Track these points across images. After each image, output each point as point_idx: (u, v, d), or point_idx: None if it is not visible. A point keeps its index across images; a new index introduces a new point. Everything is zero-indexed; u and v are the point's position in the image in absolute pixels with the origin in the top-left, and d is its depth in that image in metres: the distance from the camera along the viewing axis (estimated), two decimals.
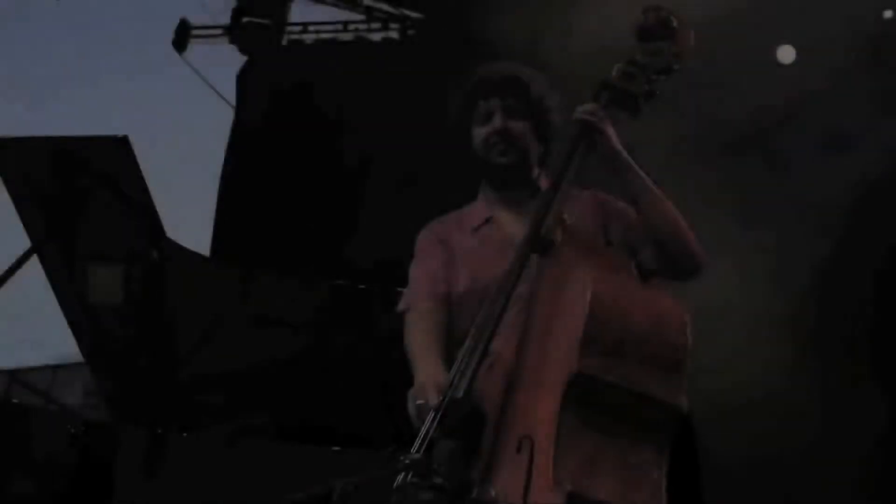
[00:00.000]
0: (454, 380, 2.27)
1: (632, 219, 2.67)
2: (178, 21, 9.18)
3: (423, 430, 2.23)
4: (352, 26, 9.03)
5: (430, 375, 2.41)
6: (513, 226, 2.73)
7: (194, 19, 9.15)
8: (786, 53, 6.19)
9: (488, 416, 2.31)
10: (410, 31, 8.87)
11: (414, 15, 8.87)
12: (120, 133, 3.79)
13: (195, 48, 9.16)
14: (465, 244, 2.78)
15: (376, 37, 8.94)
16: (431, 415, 2.24)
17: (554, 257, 2.39)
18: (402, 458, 1.92)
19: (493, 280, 2.51)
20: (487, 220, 2.80)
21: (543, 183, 2.77)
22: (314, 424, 3.93)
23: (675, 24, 2.70)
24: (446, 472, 1.96)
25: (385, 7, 8.95)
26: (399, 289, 2.88)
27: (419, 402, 2.34)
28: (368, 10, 8.99)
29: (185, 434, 3.74)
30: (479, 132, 2.77)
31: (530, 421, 2.16)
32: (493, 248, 2.71)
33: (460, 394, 2.22)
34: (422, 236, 2.90)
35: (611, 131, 2.61)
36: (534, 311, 2.39)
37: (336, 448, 3.41)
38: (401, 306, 2.81)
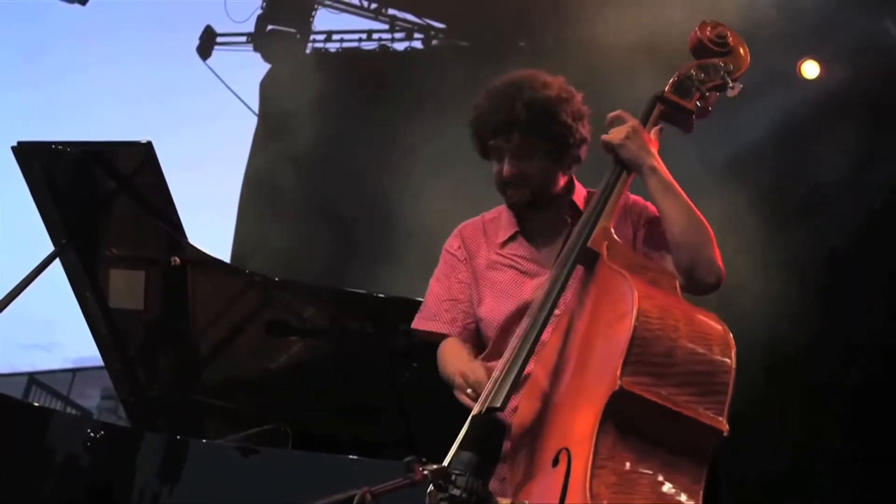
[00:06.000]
0: (491, 391, 2.23)
1: (659, 226, 2.57)
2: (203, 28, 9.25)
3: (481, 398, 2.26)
4: (375, 35, 9.07)
5: (472, 368, 2.49)
6: (540, 241, 2.70)
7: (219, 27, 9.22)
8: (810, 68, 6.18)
9: (523, 431, 2.30)
10: (434, 41, 8.89)
11: (437, 24, 8.90)
12: (144, 139, 3.80)
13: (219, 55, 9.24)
14: (489, 268, 2.73)
15: (400, 46, 8.98)
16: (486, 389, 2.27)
17: (597, 272, 2.34)
18: (420, 468, 1.90)
19: (517, 304, 2.53)
20: (514, 236, 2.73)
21: (578, 192, 2.71)
22: (331, 432, 3.93)
23: (731, 40, 2.64)
24: (463, 483, 1.93)
25: (409, 17, 8.99)
26: (416, 299, 2.86)
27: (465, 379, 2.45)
28: (392, 20, 9.02)
29: (202, 440, 3.74)
30: (495, 167, 2.67)
31: (568, 435, 2.13)
32: (517, 271, 2.69)
33: (497, 404, 2.18)
34: (450, 242, 2.83)
35: (653, 153, 2.51)
36: (574, 325, 2.34)
37: (354, 456, 3.40)
38: (417, 324, 2.80)
